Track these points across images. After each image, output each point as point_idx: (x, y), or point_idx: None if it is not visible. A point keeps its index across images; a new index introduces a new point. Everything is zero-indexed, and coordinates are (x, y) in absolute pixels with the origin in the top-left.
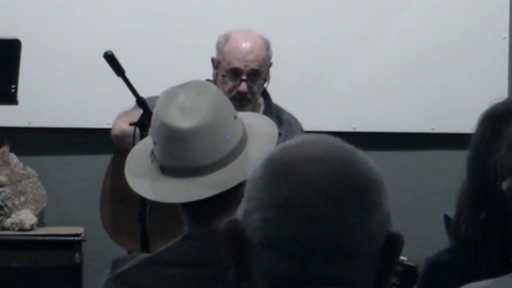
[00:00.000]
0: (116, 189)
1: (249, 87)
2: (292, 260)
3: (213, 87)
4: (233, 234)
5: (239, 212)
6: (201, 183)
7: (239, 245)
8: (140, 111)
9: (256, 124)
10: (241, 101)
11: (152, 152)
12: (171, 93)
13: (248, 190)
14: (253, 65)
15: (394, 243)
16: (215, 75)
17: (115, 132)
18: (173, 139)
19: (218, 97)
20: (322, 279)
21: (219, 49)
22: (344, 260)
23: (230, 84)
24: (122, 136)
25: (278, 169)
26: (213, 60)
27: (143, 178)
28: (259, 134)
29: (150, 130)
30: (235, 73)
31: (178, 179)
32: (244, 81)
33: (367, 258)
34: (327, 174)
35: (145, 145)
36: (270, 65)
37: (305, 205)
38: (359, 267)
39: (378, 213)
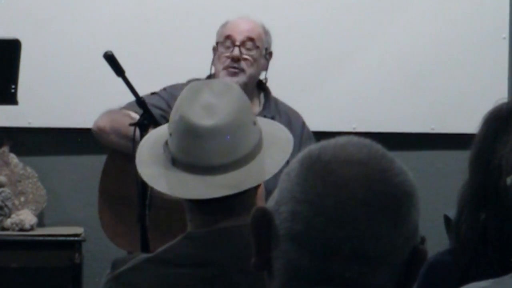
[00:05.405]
0: (111, 191)
1: (243, 55)
2: (314, 258)
3: (238, 89)
4: (260, 222)
5: (270, 201)
6: (210, 182)
7: (265, 233)
8: (125, 112)
9: (275, 133)
10: (235, 69)
11: (166, 143)
12: (196, 89)
13: (281, 181)
14: (248, 33)
15: (418, 257)
16: (212, 62)
17: (93, 127)
18: (190, 134)
19: (241, 99)
20: (340, 281)
21: (218, 32)
22: (365, 266)
23: (224, 54)
24: (99, 133)
25: (315, 166)
26: (213, 48)
27: (153, 168)
28: (275, 143)
29: (169, 121)
30: (229, 41)
31: (187, 174)
32: (237, 47)
33: (388, 269)
34: (363, 179)
35: (160, 133)
36: (269, 53)
37: (336, 205)
38: (378, 275)
39: (406, 226)
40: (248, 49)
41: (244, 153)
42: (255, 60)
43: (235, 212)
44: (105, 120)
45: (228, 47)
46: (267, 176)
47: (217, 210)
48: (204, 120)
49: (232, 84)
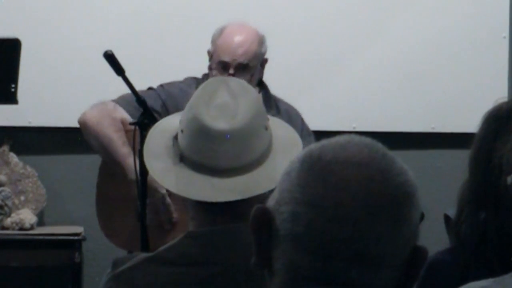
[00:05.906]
0: (109, 191)
1: None
2: (315, 259)
3: (254, 91)
4: (261, 221)
5: (270, 201)
6: (217, 185)
7: (265, 232)
8: (120, 109)
9: (285, 135)
10: None
11: (176, 137)
12: (212, 87)
13: (282, 181)
14: (241, 59)
15: (418, 257)
16: (209, 67)
17: (79, 118)
18: (202, 135)
19: (257, 103)
20: (342, 282)
21: (213, 41)
22: (367, 267)
23: (218, 75)
24: (82, 127)
25: (316, 166)
26: (208, 52)
27: (160, 163)
28: (285, 148)
29: (182, 117)
30: (223, 66)
31: (194, 172)
32: (231, 75)
33: (389, 269)
34: (364, 180)
35: (171, 126)
36: (264, 61)
37: (337, 207)
38: (380, 276)
39: (407, 226)
40: (242, 75)
41: (253, 158)
42: (248, 81)
43: (239, 213)
44: (93, 117)
45: (221, 72)
46: (275, 183)
47: (221, 211)
48: (218, 122)
49: (248, 85)
